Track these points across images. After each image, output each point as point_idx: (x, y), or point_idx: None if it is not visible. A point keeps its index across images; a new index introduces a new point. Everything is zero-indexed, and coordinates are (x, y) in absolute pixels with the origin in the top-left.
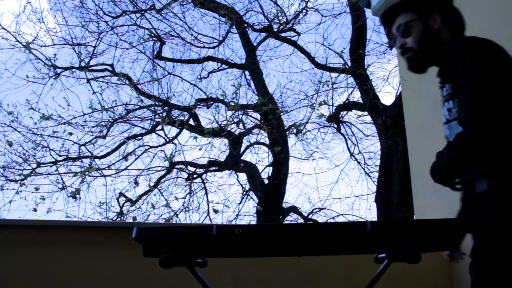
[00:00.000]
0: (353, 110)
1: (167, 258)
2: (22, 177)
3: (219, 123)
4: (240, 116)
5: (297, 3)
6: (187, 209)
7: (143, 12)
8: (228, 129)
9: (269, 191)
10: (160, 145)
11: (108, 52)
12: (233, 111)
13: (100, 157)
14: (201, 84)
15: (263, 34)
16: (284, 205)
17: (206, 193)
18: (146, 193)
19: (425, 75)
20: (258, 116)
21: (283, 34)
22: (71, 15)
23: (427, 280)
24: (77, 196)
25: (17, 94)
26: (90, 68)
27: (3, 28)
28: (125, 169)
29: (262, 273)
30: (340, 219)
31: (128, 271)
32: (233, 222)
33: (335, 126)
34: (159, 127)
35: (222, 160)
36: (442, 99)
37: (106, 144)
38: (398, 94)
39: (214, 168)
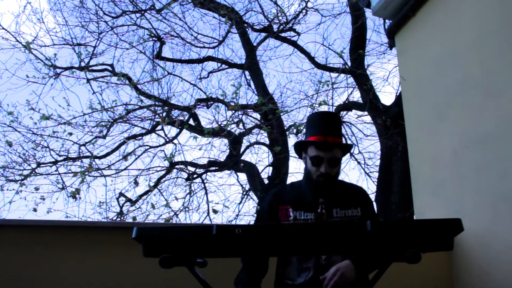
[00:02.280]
0: (353, 110)
1: (167, 258)
2: (22, 177)
3: (219, 123)
4: (240, 116)
5: (297, 3)
6: (187, 209)
7: (143, 12)
8: (228, 129)
9: (269, 191)
10: (160, 145)
11: (108, 52)
12: (233, 111)
13: (100, 157)
14: (201, 84)
15: (263, 34)
16: None
17: (206, 193)
18: (146, 193)
19: (425, 76)
20: (258, 116)
21: (283, 34)
22: (71, 15)
23: (427, 280)
24: (77, 196)
25: (17, 94)
26: (90, 68)
27: (3, 28)
28: (125, 169)
29: None
30: None
31: (128, 271)
32: (233, 222)
33: None
34: (159, 127)
35: (222, 160)
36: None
37: (106, 144)
38: (398, 94)
39: (214, 168)
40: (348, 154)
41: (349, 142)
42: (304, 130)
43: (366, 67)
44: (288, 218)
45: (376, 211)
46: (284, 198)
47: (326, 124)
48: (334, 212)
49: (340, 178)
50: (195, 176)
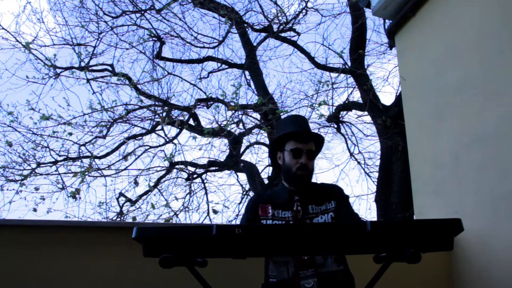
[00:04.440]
0: (353, 110)
1: (167, 258)
2: (22, 177)
3: (219, 123)
4: (240, 116)
5: (297, 3)
6: (187, 209)
7: (143, 12)
8: (228, 129)
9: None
10: (160, 145)
11: (108, 52)
12: (233, 111)
13: (100, 157)
14: (201, 84)
15: (263, 34)
16: None
17: (206, 193)
18: (146, 193)
19: (425, 76)
20: (258, 116)
21: (283, 34)
22: (71, 15)
23: (427, 280)
24: (77, 196)
25: (17, 94)
26: (90, 68)
27: (3, 28)
28: (125, 169)
29: (262, 273)
30: None
31: (128, 271)
32: (233, 222)
33: (335, 126)
34: (159, 127)
35: (222, 160)
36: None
37: (106, 144)
38: (398, 94)
39: (214, 168)
40: (348, 154)
41: (349, 142)
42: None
43: (366, 67)
44: (267, 214)
45: (352, 205)
46: (264, 198)
47: (298, 122)
48: (310, 208)
49: (339, 179)
50: (195, 176)
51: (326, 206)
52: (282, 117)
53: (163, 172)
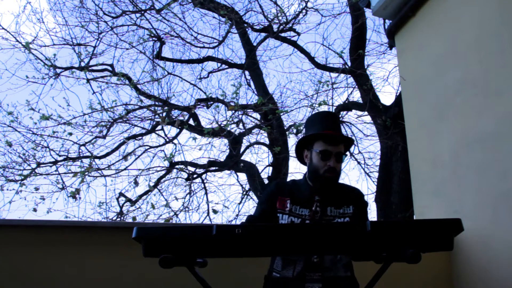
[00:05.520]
0: (353, 110)
1: (167, 258)
2: (22, 177)
3: (219, 123)
4: (240, 116)
5: (297, 3)
6: (187, 209)
7: (143, 12)
8: (228, 129)
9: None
10: (160, 145)
11: (108, 52)
12: (233, 111)
13: (100, 157)
14: (201, 84)
15: (263, 34)
16: None
17: (206, 193)
18: (146, 193)
19: (425, 76)
20: (258, 116)
21: (283, 34)
22: (71, 15)
23: (427, 280)
24: (77, 196)
25: (17, 94)
26: (90, 68)
27: (3, 28)
28: (125, 169)
29: (262, 273)
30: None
31: (128, 271)
32: (233, 222)
33: None
34: (159, 127)
35: (222, 160)
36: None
37: (106, 144)
38: (398, 94)
39: (214, 168)
40: (348, 154)
41: None
42: (304, 130)
43: (366, 67)
44: (285, 209)
45: (368, 214)
46: (284, 190)
47: (330, 121)
48: (328, 210)
49: (339, 179)
50: (195, 176)
51: (344, 209)
52: (308, 115)
53: (163, 172)
